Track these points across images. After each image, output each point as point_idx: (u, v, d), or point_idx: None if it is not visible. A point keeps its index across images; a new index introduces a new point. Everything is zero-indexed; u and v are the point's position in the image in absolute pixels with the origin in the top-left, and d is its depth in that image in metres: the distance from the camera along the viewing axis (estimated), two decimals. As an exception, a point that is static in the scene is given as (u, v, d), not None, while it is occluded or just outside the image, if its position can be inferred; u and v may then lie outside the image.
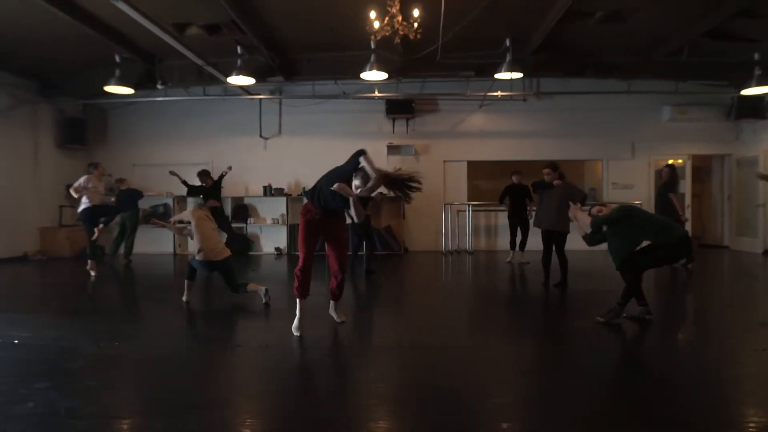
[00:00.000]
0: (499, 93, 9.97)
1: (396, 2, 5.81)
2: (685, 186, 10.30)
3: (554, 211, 6.19)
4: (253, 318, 4.98)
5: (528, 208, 8.53)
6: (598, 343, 4.05)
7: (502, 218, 10.04)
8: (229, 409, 2.74)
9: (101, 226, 7.38)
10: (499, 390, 3.08)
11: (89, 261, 7.39)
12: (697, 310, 5.63)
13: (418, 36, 6.07)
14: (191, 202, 9.86)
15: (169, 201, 10.76)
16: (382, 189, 4.12)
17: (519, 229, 8.64)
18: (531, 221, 8.27)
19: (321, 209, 4.11)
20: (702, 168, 11.42)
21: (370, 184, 3.72)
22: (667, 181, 7.94)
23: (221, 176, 9.47)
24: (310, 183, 10.48)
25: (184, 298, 5.42)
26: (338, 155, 10.39)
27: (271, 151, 11.00)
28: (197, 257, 5.34)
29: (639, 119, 10.64)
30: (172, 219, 6.29)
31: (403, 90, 10.34)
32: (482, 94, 10.00)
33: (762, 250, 9.97)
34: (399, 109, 10.47)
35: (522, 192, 8.51)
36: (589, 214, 4.81)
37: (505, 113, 10.80)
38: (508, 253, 8.85)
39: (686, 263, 7.71)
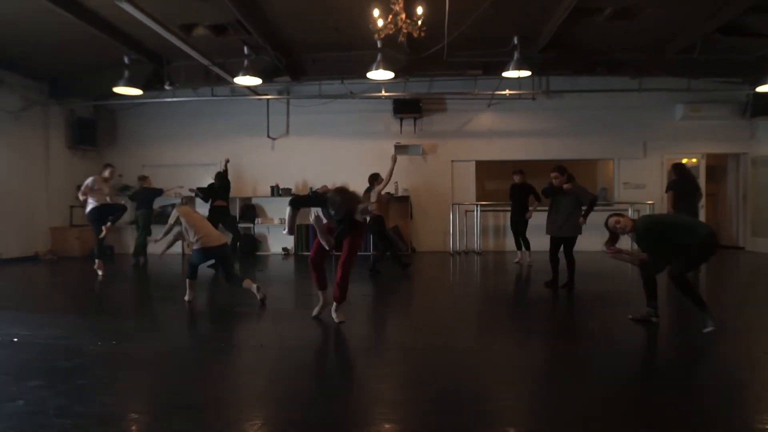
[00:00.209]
0: (507, 91, 9.86)
1: (399, 0, 5.76)
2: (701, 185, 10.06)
3: (563, 219, 6.08)
4: (254, 318, 4.95)
5: (531, 208, 8.34)
6: (607, 344, 3.97)
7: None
8: (223, 410, 2.70)
9: (109, 224, 7.41)
10: (502, 392, 3.01)
11: (96, 260, 7.44)
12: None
13: (422, 34, 6.01)
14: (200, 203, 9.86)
15: (178, 201, 10.78)
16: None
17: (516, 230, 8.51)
18: (530, 221, 8.27)
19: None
20: (717, 167, 11.19)
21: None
22: (674, 179, 7.66)
23: (225, 172, 9.39)
24: (317, 183, 10.71)
25: (186, 298, 5.43)
26: (346, 155, 10.72)
27: (279, 152, 11.01)
28: (195, 246, 5.34)
29: (651, 118, 10.45)
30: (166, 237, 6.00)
31: (410, 89, 10.28)
32: (490, 93, 9.90)
33: (779, 251, 9.73)
34: (406, 108, 10.42)
35: (523, 192, 8.37)
36: (606, 225, 4.48)
37: (514, 112, 10.68)
38: (516, 254, 8.74)
39: None
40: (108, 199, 7.50)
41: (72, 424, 2.44)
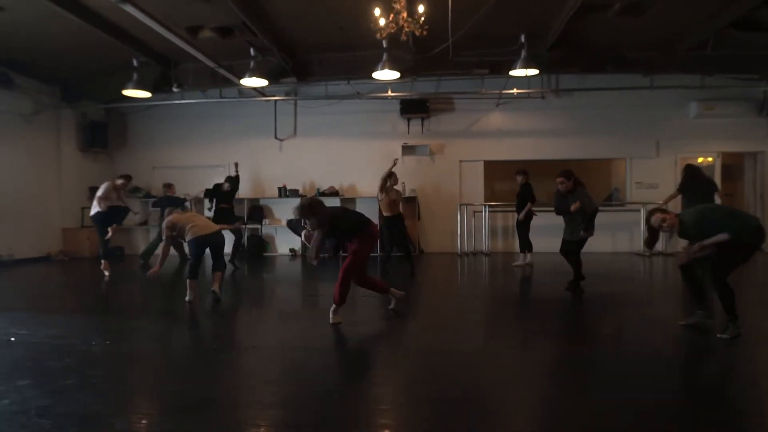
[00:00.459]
0: (515, 90, 9.73)
1: (401, -1, 5.71)
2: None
3: (567, 223, 5.99)
4: (255, 318, 4.94)
5: (531, 207, 8.20)
6: (617, 346, 3.91)
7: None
8: (223, 410, 2.66)
9: (114, 225, 7.50)
10: (504, 394, 2.95)
11: (102, 261, 7.53)
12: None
13: (425, 32, 5.96)
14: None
15: (188, 204, 10.86)
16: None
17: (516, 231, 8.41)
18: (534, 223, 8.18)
19: None
20: (733, 166, 10.91)
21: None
22: (681, 181, 7.48)
23: (236, 177, 9.38)
24: (324, 184, 10.70)
25: (187, 298, 5.43)
26: (353, 156, 10.68)
27: (286, 153, 11.02)
28: (187, 237, 5.31)
29: (663, 116, 10.22)
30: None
31: (417, 89, 10.22)
32: (498, 92, 9.78)
33: (798, 252, 9.42)
34: (413, 108, 10.35)
35: (523, 192, 8.22)
36: (648, 223, 4.20)
37: (523, 111, 10.54)
38: (522, 256, 8.59)
39: None
40: (114, 200, 7.61)
41: (51, 425, 2.43)
